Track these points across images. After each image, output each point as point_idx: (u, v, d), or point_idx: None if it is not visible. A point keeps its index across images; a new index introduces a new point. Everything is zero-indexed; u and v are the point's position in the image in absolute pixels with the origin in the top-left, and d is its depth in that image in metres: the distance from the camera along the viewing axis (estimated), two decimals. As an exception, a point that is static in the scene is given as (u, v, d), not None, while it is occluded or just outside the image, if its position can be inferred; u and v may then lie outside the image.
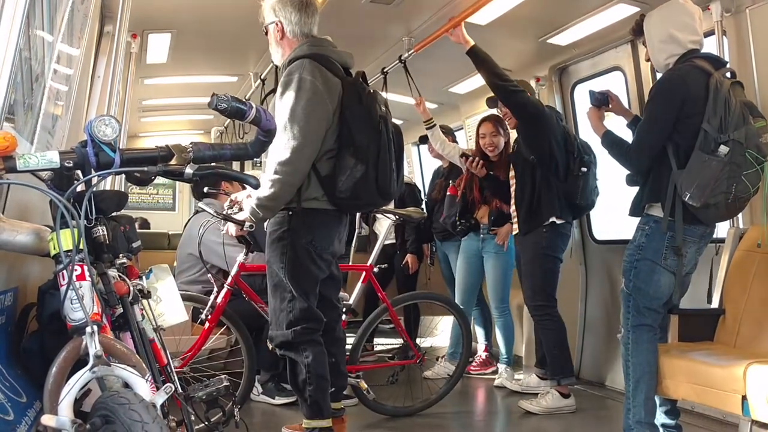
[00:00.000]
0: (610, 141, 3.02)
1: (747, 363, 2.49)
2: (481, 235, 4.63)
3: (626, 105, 3.99)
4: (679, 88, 2.75)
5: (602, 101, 3.15)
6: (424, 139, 5.38)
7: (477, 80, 5.13)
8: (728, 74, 2.81)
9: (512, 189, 4.16)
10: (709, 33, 3.52)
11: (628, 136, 3.06)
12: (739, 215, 3.34)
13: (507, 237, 4.50)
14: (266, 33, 3.02)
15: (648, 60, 3.00)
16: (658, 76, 3.96)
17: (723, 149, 2.63)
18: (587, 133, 4.66)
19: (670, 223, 2.77)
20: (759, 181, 2.71)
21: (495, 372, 4.72)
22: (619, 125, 3.19)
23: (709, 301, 3.17)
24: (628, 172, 3.05)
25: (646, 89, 4.11)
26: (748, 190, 2.69)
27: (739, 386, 2.46)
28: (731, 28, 3.38)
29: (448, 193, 4.87)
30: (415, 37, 4.53)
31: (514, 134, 4.32)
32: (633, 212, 2.98)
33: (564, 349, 3.96)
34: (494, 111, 4.36)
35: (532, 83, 4.84)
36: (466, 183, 4.68)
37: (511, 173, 4.18)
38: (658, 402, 2.91)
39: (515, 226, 4.12)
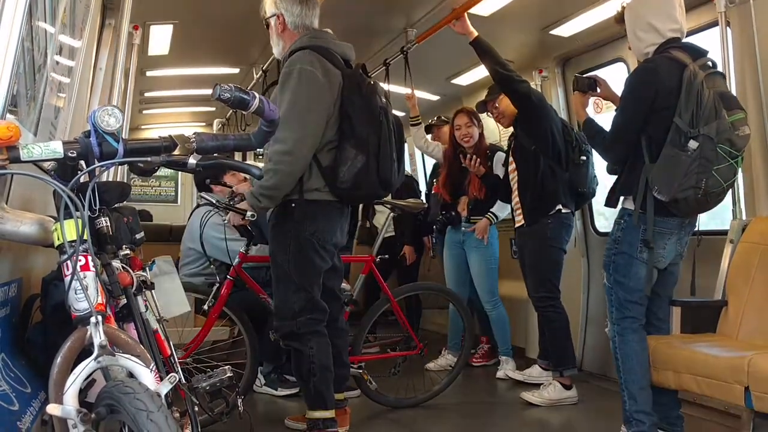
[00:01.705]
0: (591, 129, 3.02)
1: (750, 354, 2.49)
2: (462, 228, 4.65)
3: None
4: (650, 80, 2.73)
5: (590, 86, 3.12)
6: (430, 129, 5.39)
7: (479, 72, 5.13)
8: (709, 63, 2.76)
9: (512, 182, 4.18)
10: (712, 24, 3.51)
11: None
12: (742, 207, 3.33)
13: (485, 231, 4.52)
14: (267, 26, 3.03)
15: (630, 48, 2.99)
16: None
17: (692, 144, 2.60)
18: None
19: (641, 216, 2.77)
20: (733, 175, 2.68)
21: (497, 363, 4.73)
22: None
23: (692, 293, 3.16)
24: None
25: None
26: (719, 185, 2.65)
27: (742, 377, 2.46)
28: (735, 20, 3.35)
29: (432, 192, 4.92)
30: (418, 29, 4.52)
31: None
32: (607, 203, 2.99)
33: (566, 341, 3.97)
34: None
35: (535, 75, 4.85)
36: (443, 179, 4.75)
37: (511, 167, 4.21)
38: (659, 393, 2.92)
39: (519, 218, 4.12)
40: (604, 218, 4.70)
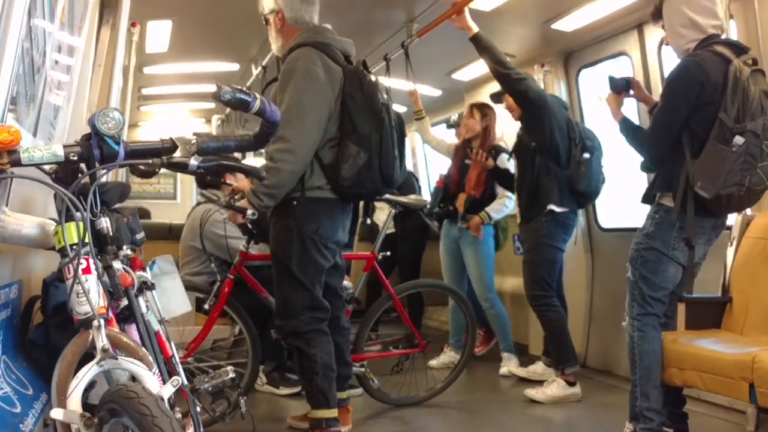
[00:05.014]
0: (627, 128, 2.97)
1: (755, 350, 2.48)
2: (459, 224, 4.65)
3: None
4: (696, 75, 2.67)
5: (624, 87, 3.06)
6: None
7: (480, 67, 5.10)
8: (750, 61, 2.71)
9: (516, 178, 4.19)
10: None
11: (648, 123, 3.00)
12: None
13: (478, 229, 4.52)
14: (266, 23, 3.00)
15: (667, 44, 2.93)
16: (665, 61, 3.94)
17: (738, 140, 2.56)
18: (593, 119, 4.65)
19: (680, 214, 2.73)
20: None
21: (496, 344, 4.73)
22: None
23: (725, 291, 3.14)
24: (643, 159, 3.00)
25: (653, 75, 4.08)
26: (763, 182, 2.62)
27: (746, 374, 2.45)
28: (739, 13, 3.33)
29: (435, 186, 4.92)
30: (418, 23, 4.49)
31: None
32: (645, 200, 2.94)
33: (565, 338, 3.96)
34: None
35: (537, 69, 4.83)
36: (451, 171, 4.77)
37: (515, 162, 4.20)
38: (664, 390, 2.91)
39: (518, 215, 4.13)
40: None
